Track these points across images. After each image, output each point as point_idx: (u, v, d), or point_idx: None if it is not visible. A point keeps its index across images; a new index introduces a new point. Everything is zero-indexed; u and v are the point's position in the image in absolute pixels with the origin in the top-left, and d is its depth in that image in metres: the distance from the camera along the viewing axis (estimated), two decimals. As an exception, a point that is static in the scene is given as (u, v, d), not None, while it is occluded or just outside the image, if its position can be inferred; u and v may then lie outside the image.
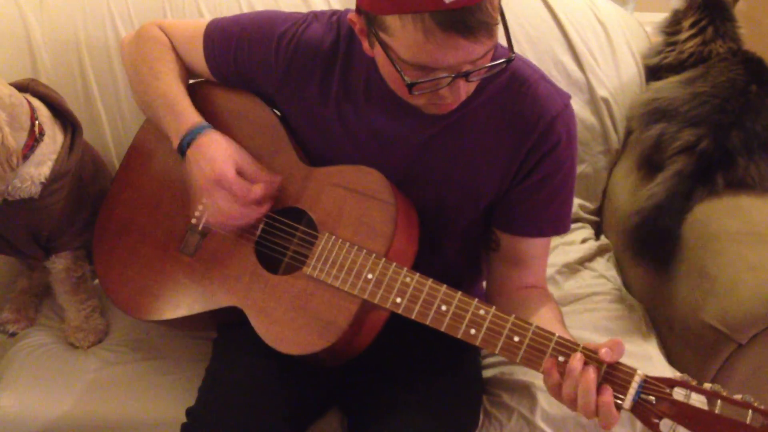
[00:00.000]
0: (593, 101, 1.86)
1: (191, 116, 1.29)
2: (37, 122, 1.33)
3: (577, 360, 1.02)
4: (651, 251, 1.61)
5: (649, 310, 1.64)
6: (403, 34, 1.00)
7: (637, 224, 1.62)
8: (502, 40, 1.07)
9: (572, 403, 1.03)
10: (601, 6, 1.91)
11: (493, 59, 1.07)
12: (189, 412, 1.23)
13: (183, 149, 1.27)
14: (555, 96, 1.20)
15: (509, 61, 1.07)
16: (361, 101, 1.23)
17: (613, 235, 1.84)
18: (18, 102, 1.30)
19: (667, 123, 1.68)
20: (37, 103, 1.37)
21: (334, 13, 1.28)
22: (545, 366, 1.05)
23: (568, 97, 1.22)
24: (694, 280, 1.51)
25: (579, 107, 1.85)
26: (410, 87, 1.04)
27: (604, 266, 1.76)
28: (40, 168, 1.35)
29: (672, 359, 1.52)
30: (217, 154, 1.24)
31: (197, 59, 1.35)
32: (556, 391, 1.05)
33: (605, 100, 1.86)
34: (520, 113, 1.19)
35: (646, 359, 1.48)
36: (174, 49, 1.37)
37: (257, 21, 1.31)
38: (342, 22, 1.25)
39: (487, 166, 1.21)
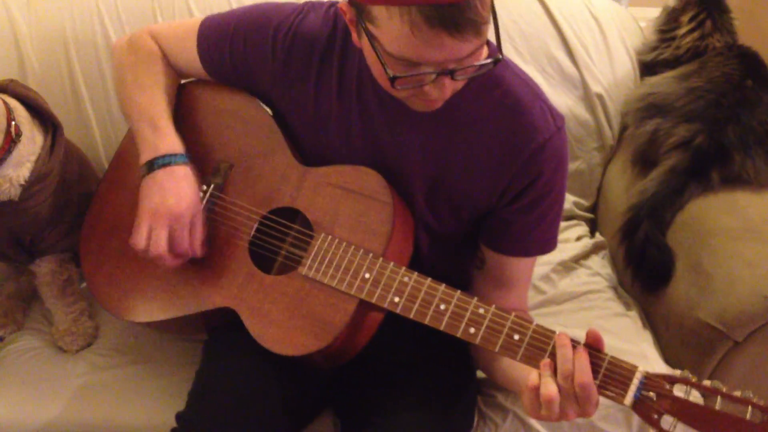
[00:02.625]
0: (587, 97, 1.86)
1: (174, 141, 1.27)
2: (13, 123, 1.31)
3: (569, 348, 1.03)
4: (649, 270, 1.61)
5: (644, 308, 1.64)
6: (390, 26, 0.99)
7: (628, 224, 1.62)
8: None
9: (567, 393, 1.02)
10: (594, 1, 1.91)
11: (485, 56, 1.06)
12: (179, 417, 1.21)
13: (152, 167, 1.25)
14: (548, 119, 1.18)
15: (496, 61, 1.05)
16: (354, 96, 1.22)
17: (609, 232, 1.83)
18: None
19: (661, 118, 1.68)
20: (14, 104, 1.35)
21: (332, 4, 1.26)
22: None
23: (562, 119, 1.20)
24: (690, 277, 1.51)
25: (573, 103, 1.85)
26: (392, 80, 1.03)
27: (600, 264, 1.76)
28: (18, 170, 1.32)
29: (668, 357, 1.52)
30: (187, 194, 1.23)
31: (191, 58, 1.33)
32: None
33: (599, 96, 1.86)
34: (511, 134, 1.17)
35: (642, 358, 1.47)
36: (164, 58, 1.35)
37: (252, 14, 1.29)
38: (339, 14, 1.23)
39: (476, 176, 1.20)
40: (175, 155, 1.26)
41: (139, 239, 1.23)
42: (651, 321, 1.60)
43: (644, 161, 1.71)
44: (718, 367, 1.45)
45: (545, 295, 1.64)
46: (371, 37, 1.02)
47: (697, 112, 1.63)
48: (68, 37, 1.72)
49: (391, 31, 0.99)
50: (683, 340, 1.50)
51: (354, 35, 1.11)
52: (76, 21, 1.73)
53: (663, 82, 1.74)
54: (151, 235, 1.22)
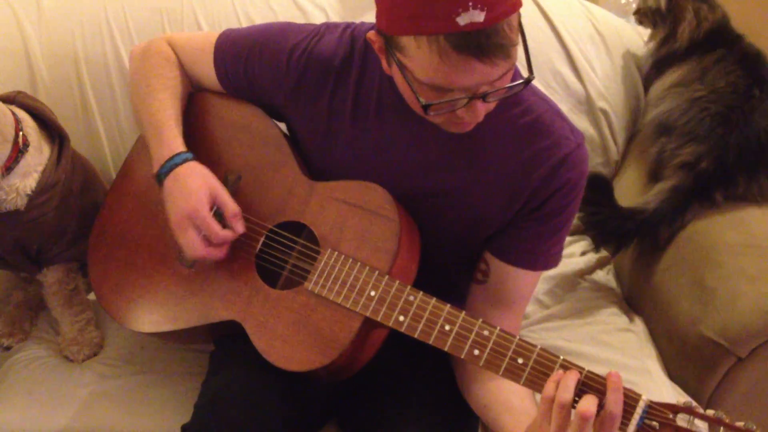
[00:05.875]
0: (592, 112, 1.86)
1: (174, 144, 1.27)
2: (21, 133, 1.31)
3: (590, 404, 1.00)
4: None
5: (648, 323, 1.64)
6: (419, 56, 0.99)
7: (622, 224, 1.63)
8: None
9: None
10: (599, 17, 1.91)
11: (513, 78, 1.06)
12: (185, 429, 1.21)
13: (161, 178, 1.26)
14: (569, 135, 1.19)
15: (528, 81, 1.06)
16: (372, 118, 1.23)
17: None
18: (0, 114, 1.28)
19: (667, 137, 1.66)
20: (22, 115, 1.36)
21: (348, 26, 1.27)
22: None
23: (582, 137, 1.21)
24: (693, 292, 1.51)
25: (578, 119, 1.85)
26: (425, 108, 1.03)
27: (604, 279, 1.76)
28: (25, 180, 1.33)
29: (671, 373, 1.52)
30: (193, 188, 1.23)
31: (206, 71, 1.34)
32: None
33: (604, 112, 1.86)
34: (531, 151, 1.18)
35: (645, 373, 1.48)
36: (178, 65, 1.36)
37: (269, 33, 1.30)
38: (356, 36, 1.24)
39: (494, 195, 1.20)
40: (174, 156, 1.25)
41: (185, 251, 1.23)
42: (654, 336, 1.60)
43: (653, 179, 1.70)
44: (722, 383, 1.46)
45: (549, 310, 1.65)
46: (401, 67, 1.03)
47: (702, 131, 1.61)
48: (78, 52, 1.73)
49: (420, 60, 0.99)
50: (686, 356, 1.50)
51: (384, 63, 1.11)
52: (87, 36, 1.74)
53: (667, 95, 1.71)
54: (187, 243, 1.22)
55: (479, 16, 0.94)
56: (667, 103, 1.70)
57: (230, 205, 1.24)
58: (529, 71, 1.06)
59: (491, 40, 0.96)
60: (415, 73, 1.02)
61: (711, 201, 1.60)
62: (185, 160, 1.25)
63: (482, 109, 1.06)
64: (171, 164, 1.25)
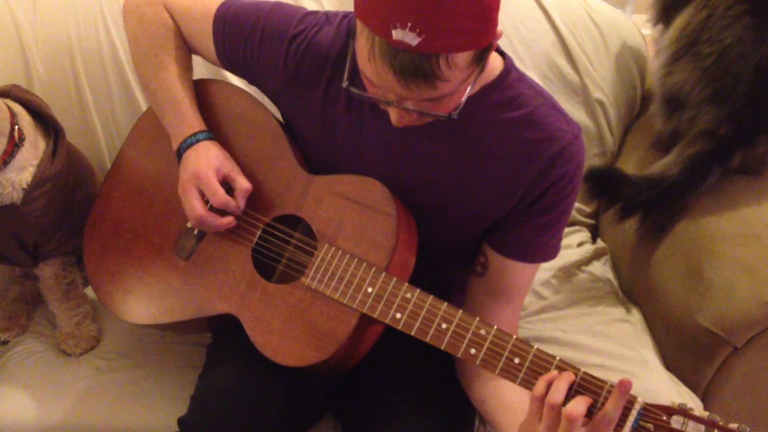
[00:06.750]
0: (588, 103, 1.86)
1: (194, 121, 1.30)
2: (16, 127, 1.32)
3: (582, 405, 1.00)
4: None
5: (645, 314, 1.64)
6: (360, 41, 1.01)
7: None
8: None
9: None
10: (596, 8, 1.90)
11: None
12: (181, 422, 1.21)
13: (180, 152, 1.29)
14: (564, 127, 1.18)
15: (448, 117, 1.05)
16: (367, 110, 1.22)
17: (610, 238, 1.83)
18: None
19: (681, 111, 1.62)
20: (17, 108, 1.36)
21: (345, 15, 1.27)
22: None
23: (579, 128, 1.21)
24: (689, 282, 1.51)
25: (574, 109, 1.85)
26: (346, 89, 1.07)
27: (601, 270, 1.76)
28: (21, 174, 1.33)
29: (668, 363, 1.52)
30: (207, 156, 1.26)
31: (204, 41, 1.33)
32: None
33: (600, 102, 1.86)
34: (527, 145, 1.17)
35: (642, 363, 1.48)
36: (179, 33, 1.35)
37: (273, 16, 1.28)
38: (352, 26, 1.24)
39: (491, 188, 1.20)
40: (197, 134, 1.29)
41: (188, 214, 1.27)
42: (651, 326, 1.60)
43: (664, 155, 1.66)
44: (718, 373, 1.46)
45: (546, 301, 1.65)
46: (354, 44, 1.05)
47: (717, 99, 1.56)
48: (73, 44, 1.73)
49: (360, 46, 1.01)
50: (683, 346, 1.50)
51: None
52: (81, 28, 1.74)
53: (678, 69, 1.63)
54: (188, 203, 1.25)
55: (412, 40, 0.94)
56: (677, 76, 1.64)
57: (241, 180, 1.27)
58: (453, 109, 1.06)
59: (414, 64, 0.96)
60: (358, 55, 1.03)
61: (731, 163, 1.57)
62: (206, 139, 1.29)
63: (406, 118, 1.07)
64: (194, 140, 1.28)
